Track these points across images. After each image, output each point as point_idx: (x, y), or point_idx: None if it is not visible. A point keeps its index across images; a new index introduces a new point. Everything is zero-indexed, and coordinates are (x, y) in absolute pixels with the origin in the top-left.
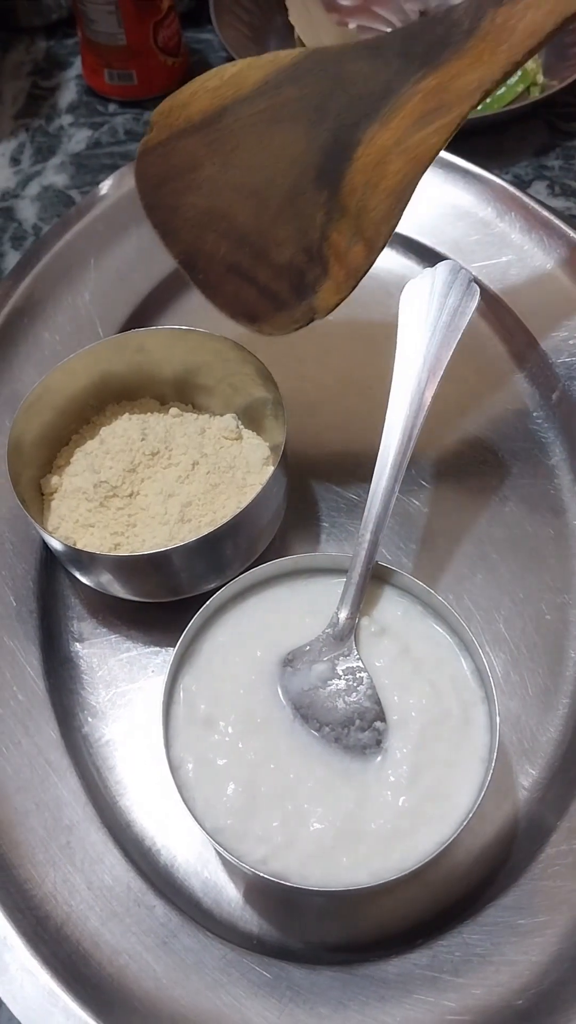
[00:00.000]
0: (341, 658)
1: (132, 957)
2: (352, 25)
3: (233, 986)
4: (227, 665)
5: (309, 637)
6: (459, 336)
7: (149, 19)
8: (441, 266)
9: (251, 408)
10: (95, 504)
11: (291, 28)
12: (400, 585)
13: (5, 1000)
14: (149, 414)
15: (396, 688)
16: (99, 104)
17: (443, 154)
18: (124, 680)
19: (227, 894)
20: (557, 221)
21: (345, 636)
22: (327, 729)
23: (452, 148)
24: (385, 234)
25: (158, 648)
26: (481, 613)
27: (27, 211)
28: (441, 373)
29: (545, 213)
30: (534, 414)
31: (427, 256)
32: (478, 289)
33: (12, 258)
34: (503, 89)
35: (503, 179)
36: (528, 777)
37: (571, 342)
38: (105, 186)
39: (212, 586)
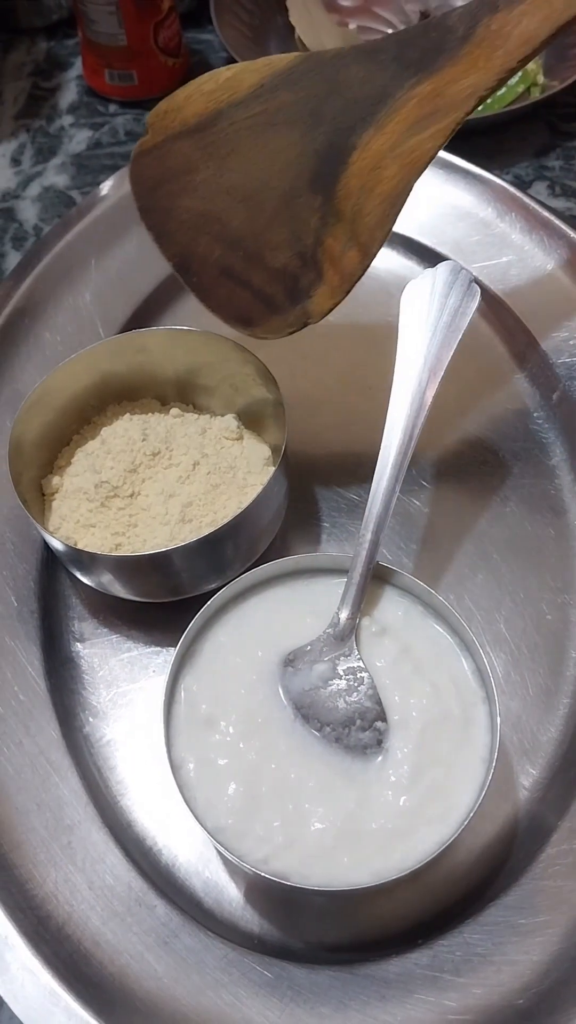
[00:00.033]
0: (342, 658)
1: (133, 957)
2: (352, 26)
3: (234, 986)
4: (228, 665)
5: (310, 637)
6: (460, 336)
7: (150, 19)
8: (442, 266)
9: (252, 408)
10: (96, 504)
11: (292, 29)
12: (401, 585)
13: (6, 999)
14: (150, 414)
15: (397, 688)
16: (100, 105)
17: (444, 154)
18: (125, 680)
19: (228, 894)
20: (557, 222)
21: (346, 636)
22: (328, 729)
23: (453, 148)
24: (379, 239)
25: (159, 648)
26: (482, 613)
27: (28, 212)
28: (442, 373)
29: (545, 214)
30: (535, 414)
31: (428, 256)
32: (479, 290)
33: (13, 259)
34: (504, 90)
35: (504, 179)
36: (529, 777)
37: (572, 342)
38: (106, 187)
39: (213, 586)
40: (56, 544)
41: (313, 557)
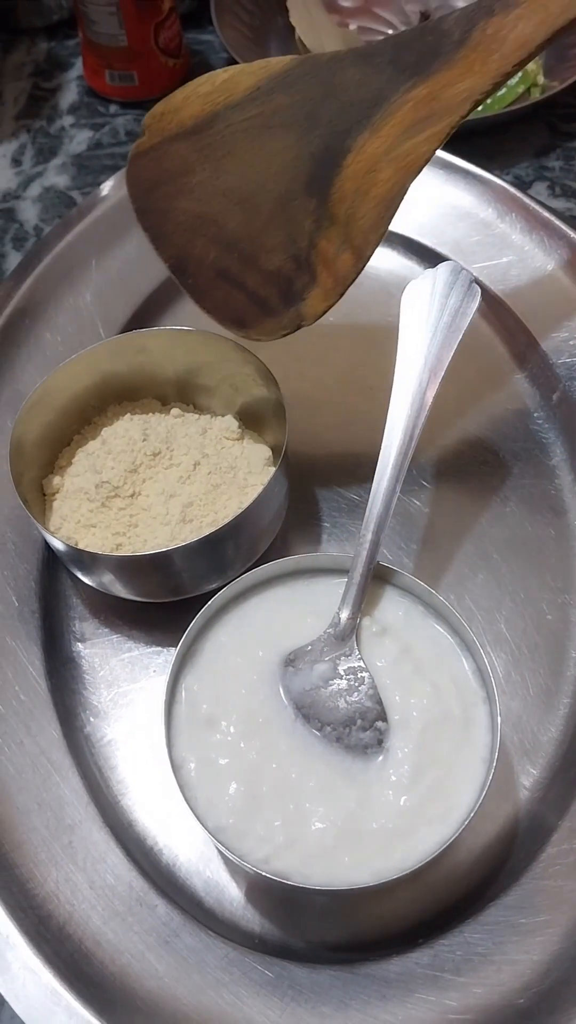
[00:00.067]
0: (342, 658)
1: (134, 956)
2: (353, 26)
3: (235, 985)
4: (229, 665)
5: (311, 637)
6: (460, 337)
7: (150, 20)
8: (442, 267)
9: (252, 408)
10: (97, 504)
11: (292, 29)
12: (401, 585)
13: (8, 999)
14: (150, 414)
15: (397, 688)
16: (100, 105)
17: (444, 155)
18: (126, 680)
19: (229, 893)
20: (558, 222)
21: (346, 636)
22: (328, 729)
23: (453, 149)
24: (373, 243)
25: (160, 648)
26: (482, 613)
27: (28, 212)
28: (442, 374)
29: (546, 214)
30: (535, 414)
31: (428, 257)
32: (479, 290)
33: (13, 259)
34: (504, 90)
35: (504, 180)
36: (529, 777)
37: (572, 343)
38: (106, 187)
39: (214, 586)
40: (57, 544)
41: (314, 557)
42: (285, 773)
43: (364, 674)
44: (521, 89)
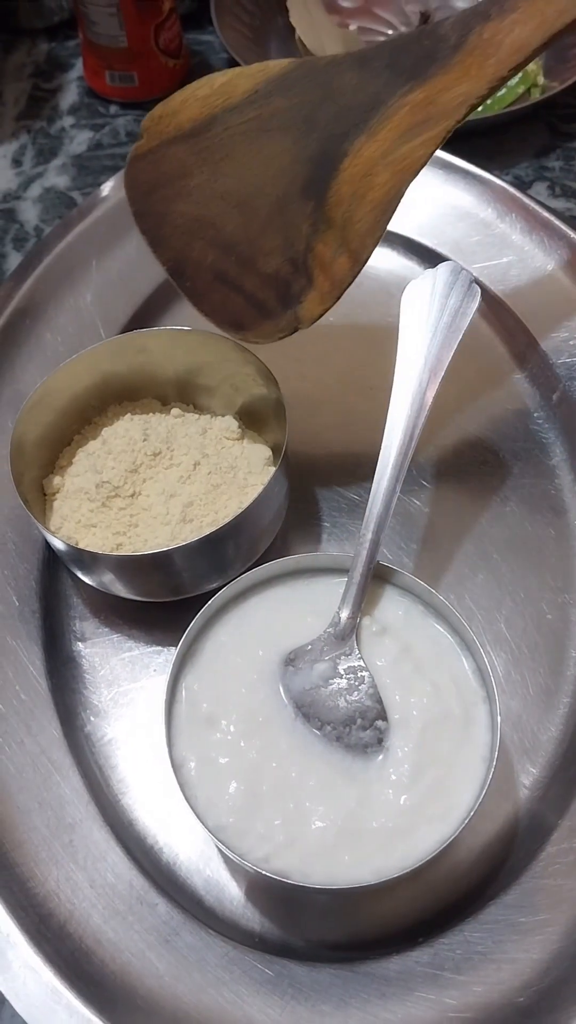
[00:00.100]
0: (343, 657)
1: (134, 955)
2: (353, 26)
3: (235, 983)
4: (229, 664)
5: (311, 636)
6: (460, 337)
7: (150, 21)
8: (442, 267)
9: (252, 408)
10: (97, 504)
11: (292, 29)
12: (401, 585)
13: (8, 997)
14: (151, 414)
15: (397, 687)
16: (100, 106)
17: (444, 155)
18: (126, 679)
19: (229, 892)
20: (558, 222)
21: (346, 635)
22: (329, 728)
23: (453, 149)
24: (370, 246)
25: (160, 647)
26: (482, 613)
27: (29, 212)
28: (442, 374)
29: (546, 214)
30: (535, 414)
31: (428, 257)
32: (479, 290)
33: (14, 259)
34: (504, 90)
35: (504, 180)
36: (529, 776)
37: (571, 343)
38: (106, 187)
39: (214, 586)
40: (57, 544)
41: (314, 557)
42: (285, 772)
43: (364, 673)
44: (521, 89)
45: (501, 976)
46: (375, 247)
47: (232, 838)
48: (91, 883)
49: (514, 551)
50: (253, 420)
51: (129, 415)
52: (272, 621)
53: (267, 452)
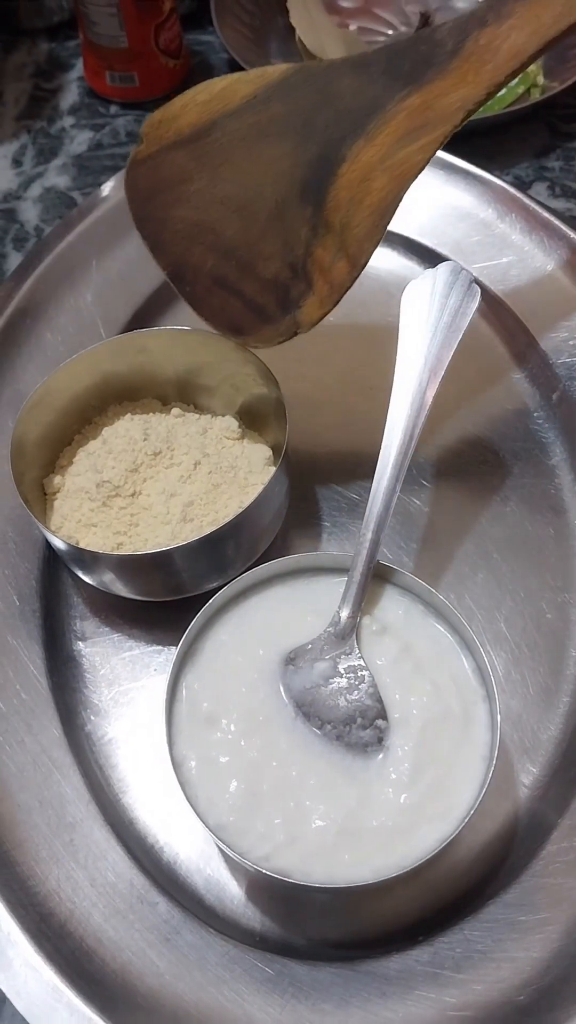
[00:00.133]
0: (343, 656)
1: (135, 953)
2: (353, 27)
3: (236, 982)
4: (229, 663)
5: (311, 636)
6: (460, 337)
7: (150, 21)
8: (442, 267)
9: (253, 408)
10: (98, 504)
11: (292, 30)
12: (401, 584)
13: (9, 996)
14: (151, 414)
15: (397, 686)
16: (101, 106)
17: (444, 155)
18: (127, 678)
19: (229, 891)
20: (557, 222)
21: (347, 635)
22: (329, 727)
23: (453, 149)
24: (368, 251)
25: (160, 647)
26: (482, 612)
27: (29, 212)
28: (442, 373)
29: (545, 214)
30: (535, 414)
31: (428, 257)
32: (479, 290)
33: (14, 259)
34: (504, 91)
35: (504, 180)
36: (529, 775)
37: (571, 343)
38: (107, 187)
39: (214, 585)
40: (58, 543)
41: (314, 556)
42: (285, 771)
43: (364, 672)
44: (521, 90)
45: (501, 975)
46: (373, 252)
47: (232, 837)
48: (92, 882)
49: (514, 551)
50: (253, 420)
51: (129, 415)
52: (272, 620)
53: (267, 452)
